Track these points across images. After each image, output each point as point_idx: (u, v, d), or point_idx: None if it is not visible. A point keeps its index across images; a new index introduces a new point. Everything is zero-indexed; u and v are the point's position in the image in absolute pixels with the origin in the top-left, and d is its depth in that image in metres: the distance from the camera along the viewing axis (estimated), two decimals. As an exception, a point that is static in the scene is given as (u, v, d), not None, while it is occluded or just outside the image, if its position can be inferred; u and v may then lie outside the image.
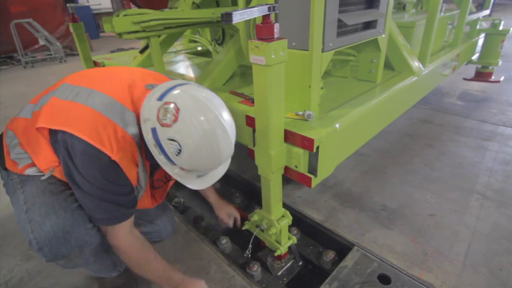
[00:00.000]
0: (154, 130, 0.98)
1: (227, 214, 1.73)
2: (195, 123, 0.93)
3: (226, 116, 1.00)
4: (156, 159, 1.04)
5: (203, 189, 1.61)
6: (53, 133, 1.04)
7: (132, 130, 1.06)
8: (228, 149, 1.02)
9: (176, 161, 1.00)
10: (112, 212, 1.11)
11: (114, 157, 1.00)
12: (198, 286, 1.29)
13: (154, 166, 1.25)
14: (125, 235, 1.17)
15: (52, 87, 1.18)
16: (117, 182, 1.07)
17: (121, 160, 1.03)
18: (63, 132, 1.00)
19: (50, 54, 6.88)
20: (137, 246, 1.21)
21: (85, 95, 1.05)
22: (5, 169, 1.19)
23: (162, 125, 0.95)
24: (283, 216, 1.45)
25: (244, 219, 1.73)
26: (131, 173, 1.09)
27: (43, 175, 1.11)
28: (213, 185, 1.68)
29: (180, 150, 0.95)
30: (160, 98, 0.99)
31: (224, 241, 1.65)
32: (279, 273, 1.51)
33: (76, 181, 1.04)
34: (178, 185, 2.31)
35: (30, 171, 1.13)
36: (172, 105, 0.94)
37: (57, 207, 1.07)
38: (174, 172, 1.06)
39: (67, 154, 1.01)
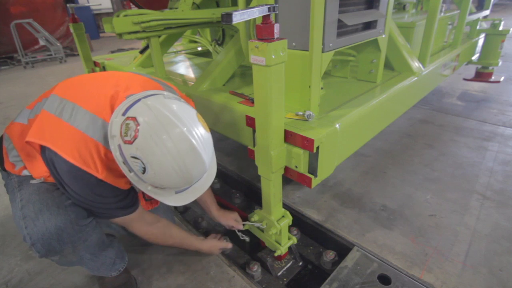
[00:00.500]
0: (120, 147, 0.94)
1: (234, 220, 1.67)
2: (156, 140, 0.87)
3: (197, 131, 0.93)
4: (128, 177, 1.00)
5: (204, 201, 1.64)
6: (42, 147, 1.03)
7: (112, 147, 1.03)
8: (198, 167, 0.95)
9: (144, 179, 0.95)
10: (108, 213, 1.16)
11: (99, 176, 1.01)
12: (214, 248, 1.52)
13: None
14: (137, 226, 1.26)
15: (46, 93, 1.16)
16: (107, 195, 1.09)
17: (108, 178, 1.03)
18: (49, 148, 0.99)
19: (50, 55, 6.89)
20: (152, 231, 1.32)
21: (69, 111, 1.03)
22: (5, 170, 1.21)
23: (125, 142, 0.90)
24: (283, 216, 1.45)
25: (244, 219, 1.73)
26: (121, 184, 1.10)
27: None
28: (213, 193, 1.69)
29: (144, 168, 0.90)
30: (124, 112, 0.94)
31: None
32: (279, 274, 1.51)
33: (70, 194, 1.06)
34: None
35: (26, 172, 1.15)
36: (132, 122, 0.89)
37: (50, 204, 1.08)
38: (147, 190, 1.02)
39: (56, 171, 1.02)
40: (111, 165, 1.03)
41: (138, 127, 0.88)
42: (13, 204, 1.13)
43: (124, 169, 0.97)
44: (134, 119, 0.90)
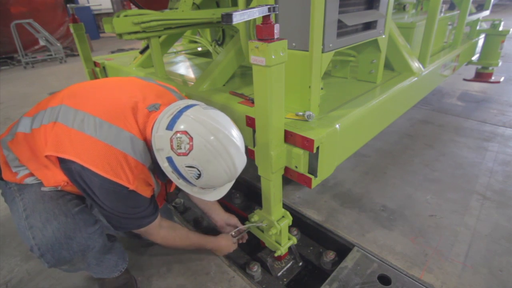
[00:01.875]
0: (170, 159, 1.01)
1: (234, 225, 1.65)
2: (209, 148, 0.97)
3: (235, 132, 1.04)
4: (176, 183, 1.09)
5: (208, 207, 1.66)
6: (62, 160, 1.03)
7: (143, 158, 1.08)
8: (242, 163, 1.07)
9: (195, 183, 1.04)
10: (135, 223, 1.19)
11: (131, 187, 1.04)
12: (224, 247, 1.53)
13: (167, 183, 1.35)
14: (156, 233, 1.28)
15: (49, 102, 1.14)
16: (137, 205, 1.14)
17: (138, 188, 1.07)
18: (74, 162, 1.00)
19: (51, 55, 6.89)
20: (169, 236, 1.35)
21: (91, 124, 1.03)
22: (2, 179, 1.18)
23: (178, 154, 0.98)
24: (283, 216, 1.44)
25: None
26: (148, 193, 1.15)
27: (42, 184, 1.11)
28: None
29: (199, 175, 1.00)
30: (170, 127, 1.00)
31: (224, 241, 1.65)
32: (279, 274, 1.51)
33: (99, 205, 1.08)
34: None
35: (29, 180, 1.13)
36: (184, 135, 0.97)
37: (57, 212, 1.07)
38: (193, 191, 1.12)
39: (85, 184, 1.04)
40: (139, 175, 1.07)
41: (192, 140, 0.96)
42: (15, 213, 1.11)
43: (172, 177, 1.06)
44: (185, 133, 0.97)
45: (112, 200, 1.07)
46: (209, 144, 0.96)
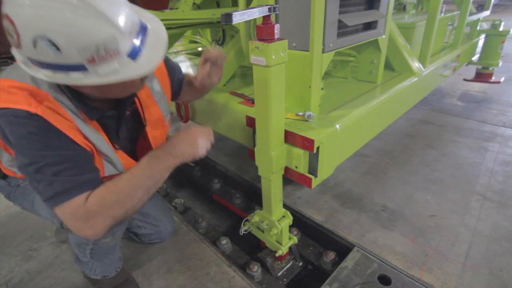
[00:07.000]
0: (26, 60, 0.80)
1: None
2: (38, 11, 0.70)
3: None
4: (62, 81, 0.79)
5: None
6: None
7: (45, 86, 0.87)
8: None
9: (67, 59, 0.74)
10: (68, 181, 0.86)
11: (33, 110, 0.82)
12: (192, 133, 1.03)
13: (107, 125, 1.03)
14: (80, 206, 0.87)
15: None
16: (54, 142, 0.86)
17: (45, 112, 0.84)
18: None
19: (51, 55, 6.88)
20: (104, 196, 0.90)
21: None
22: (3, 177, 1.15)
23: (17, 46, 0.76)
24: (283, 216, 1.45)
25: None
26: (67, 128, 0.87)
27: None
28: (213, 192, 1.61)
29: (53, 44, 0.72)
30: None
31: (224, 241, 1.65)
32: (279, 274, 1.51)
33: (18, 158, 0.86)
34: (178, 186, 2.32)
35: None
36: (6, 22, 0.73)
37: None
38: (96, 77, 0.78)
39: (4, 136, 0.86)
40: (47, 103, 0.86)
41: (11, 17, 0.71)
42: (39, 203, 1.11)
43: (49, 76, 0.78)
44: (7, 17, 0.72)
45: (17, 131, 0.82)
46: (27, 7, 0.70)
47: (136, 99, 1.13)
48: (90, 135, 0.94)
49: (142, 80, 0.97)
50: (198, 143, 1.03)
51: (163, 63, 1.25)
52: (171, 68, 1.30)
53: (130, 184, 0.92)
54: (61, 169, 0.85)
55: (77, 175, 0.87)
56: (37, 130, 0.83)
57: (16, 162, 0.88)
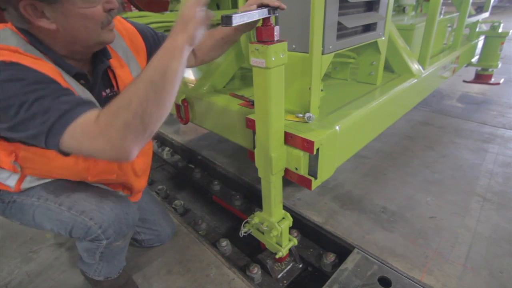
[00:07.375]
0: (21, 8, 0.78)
1: None
2: None
3: None
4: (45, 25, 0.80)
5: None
6: None
7: (13, 41, 0.84)
8: None
9: None
10: (60, 108, 0.77)
11: (7, 58, 0.78)
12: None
13: (84, 85, 0.97)
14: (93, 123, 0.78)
15: None
16: (38, 79, 0.79)
17: (21, 59, 0.80)
18: None
19: (51, 57, 6.89)
20: (118, 106, 0.78)
21: None
22: None
23: None
24: (283, 218, 1.44)
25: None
26: (51, 71, 0.83)
27: (45, 179, 1.09)
28: (213, 193, 1.61)
29: None
30: None
31: (224, 243, 1.65)
32: (279, 276, 1.51)
33: (6, 114, 0.77)
34: (178, 187, 2.32)
35: (26, 184, 1.07)
36: None
37: (100, 194, 1.10)
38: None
39: None
40: (18, 55, 0.82)
41: None
42: (42, 216, 1.07)
43: (42, 21, 0.80)
44: None
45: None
46: None
47: (108, 70, 1.11)
48: (73, 84, 0.90)
49: (109, 20, 0.92)
50: (191, 14, 0.87)
51: (131, 26, 1.24)
52: (140, 28, 1.27)
53: (132, 85, 0.79)
54: (53, 97, 0.78)
55: (73, 97, 0.81)
56: (16, 73, 0.77)
57: (2, 125, 0.79)
